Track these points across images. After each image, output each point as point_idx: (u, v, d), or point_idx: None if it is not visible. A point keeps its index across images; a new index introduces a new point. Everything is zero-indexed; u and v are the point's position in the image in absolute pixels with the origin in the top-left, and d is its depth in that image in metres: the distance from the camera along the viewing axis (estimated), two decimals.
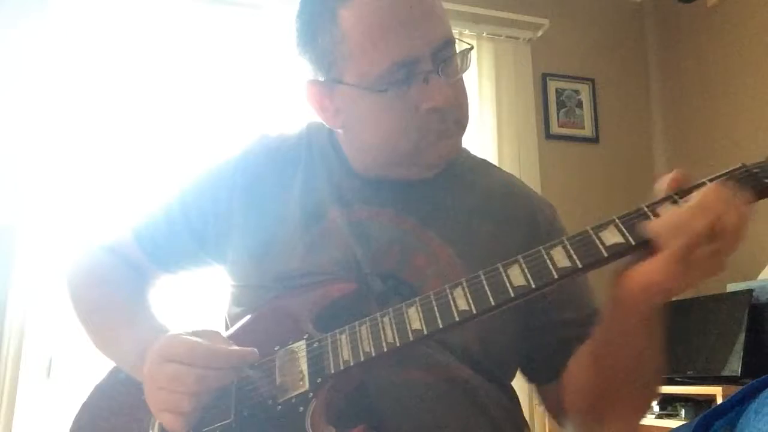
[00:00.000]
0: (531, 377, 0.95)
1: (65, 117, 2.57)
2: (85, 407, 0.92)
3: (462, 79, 0.89)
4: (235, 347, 0.78)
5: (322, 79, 0.89)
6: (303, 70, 0.92)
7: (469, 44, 0.88)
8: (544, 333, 0.91)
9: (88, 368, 0.97)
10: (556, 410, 0.91)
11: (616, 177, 3.24)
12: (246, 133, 1.05)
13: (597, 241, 0.66)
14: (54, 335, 2.39)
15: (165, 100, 2.71)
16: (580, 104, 3.36)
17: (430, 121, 0.84)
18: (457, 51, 0.86)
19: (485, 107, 3.07)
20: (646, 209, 0.66)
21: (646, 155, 3.41)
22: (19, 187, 2.46)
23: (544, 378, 0.92)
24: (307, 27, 0.89)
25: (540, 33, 3.24)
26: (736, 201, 0.63)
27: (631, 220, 0.66)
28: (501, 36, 3.19)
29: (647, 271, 0.65)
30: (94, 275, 1.00)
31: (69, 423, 0.92)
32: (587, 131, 3.35)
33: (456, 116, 0.87)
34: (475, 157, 1.04)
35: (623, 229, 0.66)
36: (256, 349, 0.79)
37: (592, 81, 3.39)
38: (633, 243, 0.65)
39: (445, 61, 0.84)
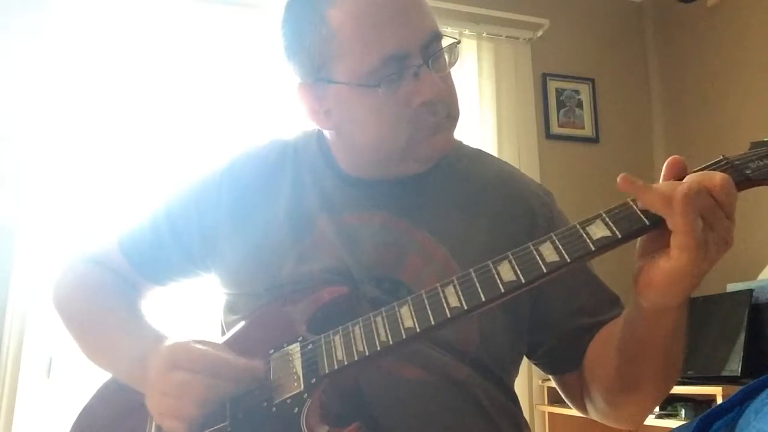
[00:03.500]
0: (552, 369, 0.95)
1: (65, 117, 2.57)
2: (85, 412, 0.92)
3: (450, 74, 0.90)
4: (244, 360, 0.79)
5: (312, 82, 0.89)
6: (291, 76, 0.92)
7: (454, 38, 0.90)
8: (561, 323, 0.91)
9: (88, 368, 0.97)
10: (577, 398, 0.92)
11: (616, 177, 3.21)
12: (242, 134, 1.05)
13: (584, 236, 0.67)
14: (54, 335, 2.39)
15: (165, 100, 2.71)
16: (580, 104, 3.36)
17: (423, 115, 0.85)
18: (444, 45, 0.87)
19: (485, 107, 3.07)
20: (631, 203, 0.67)
21: (646, 155, 3.41)
22: (19, 187, 2.46)
23: (566, 368, 0.92)
24: (295, 31, 0.89)
25: (540, 33, 3.24)
26: (717, 175, 0.63)
27: (617, 214, 0.67)
28: (501, 36, 3.19)
29: (669, 265, 0.64)
30: (83, 287, 0.99)
31: (69, 427, 0.92)
32: (587, 131, 3.35)
33: (448, 110, 0.87)
34: (468, 148, 1.04)
35: (610, 223, 0.67)
36: (262, 363, 0.79)
37: (592, 81, 3.39)
38: (619, 236, 0.66)
39: (434, 55, 0.85)
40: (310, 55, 0.87)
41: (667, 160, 0.68)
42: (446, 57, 0.88)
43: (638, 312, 0.73)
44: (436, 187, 0.94)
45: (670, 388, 0.83)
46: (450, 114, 0.88)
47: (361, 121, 0.88)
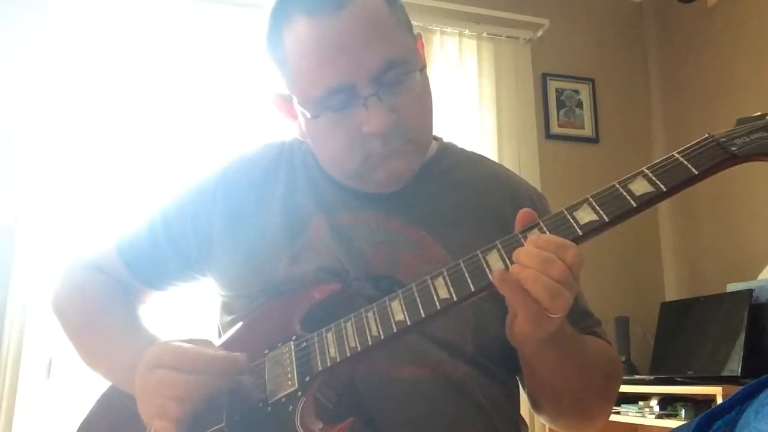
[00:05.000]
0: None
1: (65, 117, 2.57)
2: (85, 423, 0.92)
3: (419, 95, 0.87)
4: (226, 353, 0.78)
5: (287, 93, 0.90)
6: (276, 80, 0.92)
7: (421, 64, 0.86)
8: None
9: (88, 369, 0.97)
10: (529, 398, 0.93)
11: (616, 177, 3.17)
12: (242, 135, 1.05)
13: (572, 221, 0.67)
14: (54, 335, 2.39)
15: (164, 100, 2.71)
16: (580, 104, 3.36)
17: (372, 144, 0.84)
18: (411, 69, 0.84)
19: (485, 107, 3.07)
20: (618, 186, 0.68)
21: (646, 155, 3.40)
22: (19, 186, 2.46)
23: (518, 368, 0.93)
24: (268, 41, 0.89)
25: (540, 33, 3.24)
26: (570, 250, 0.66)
27: (605, 198, 0.68)
28: (501, 36, 3.19)
29: (518, 326, 0.70)
30: (82, 293, 0.99)
31: None
32: (587, 131, 3.35)
33: (406, 136, 0.85)
34: (463, 151, 1.04)
35: (597, 207, 0.67)
36: (245, 354, 0.79)
37: (592, 81, 3.39)
38: (606, 220, 0.66)
39: (389, 83, 0.82)
40: (278, 70, 0.89)
41: (519, 213, 0.72)
42: (416, 80, 0.85)
43: (518, 349, 0.79)
44: (431, 191, 0.94)
45: (590, 413, 0.89)
46: (409, 139, 0.86)
47: (318, 138, 0.88)
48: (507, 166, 1.14)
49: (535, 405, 0.90)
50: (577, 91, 3.36)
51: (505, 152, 3.02)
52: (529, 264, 0.65)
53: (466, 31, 3.13)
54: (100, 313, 0.96)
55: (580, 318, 0.91)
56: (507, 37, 3.20)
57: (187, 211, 0.97)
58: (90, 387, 0.95)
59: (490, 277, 0.68)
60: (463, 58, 3.11)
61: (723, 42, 3.08)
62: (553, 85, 3.33)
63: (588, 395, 0.86)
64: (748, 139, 0.65)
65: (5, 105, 2.51)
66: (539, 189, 1.06)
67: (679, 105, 3.33)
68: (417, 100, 0.86)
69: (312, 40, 0.82)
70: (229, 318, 0.94)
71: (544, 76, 3.31)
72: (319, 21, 0.81)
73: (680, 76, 3.34)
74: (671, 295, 3.21)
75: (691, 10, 3.21)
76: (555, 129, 3.29)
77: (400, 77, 0.83)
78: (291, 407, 0.75)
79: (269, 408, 0.77)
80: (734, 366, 2.37)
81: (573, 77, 3.37)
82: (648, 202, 0.66)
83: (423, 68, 0.86)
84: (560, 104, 3.33)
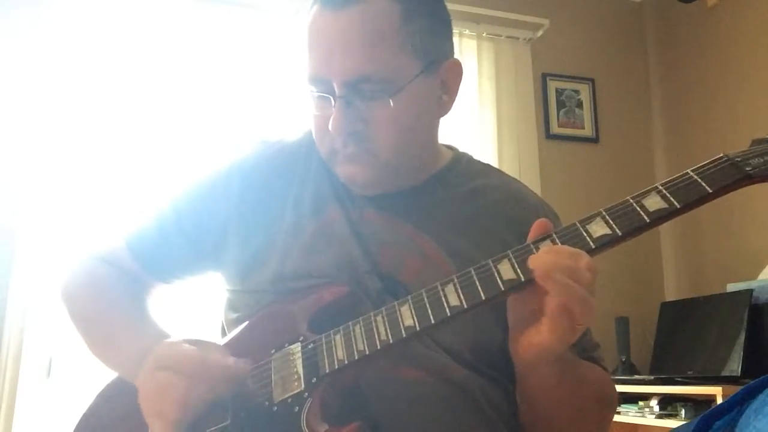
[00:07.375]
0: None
1: (65, 118, 2.57)
2: (88, 414, 0.93)
3: (396, 116, 0.87)
4: (229, 360, 0.78)
5: None
6: None
7: (387, 91, 0.85)
8: None
9: (88, 368, 0.97)
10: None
11: (616, 177, 3.24)
12: (244, 137, 1.06)
13: (584, 234, 0.68)
14: (54, 335, 2.39)
15: (164, 100, 2.71)
16: (580, 104, 3.36)
17: (334, 140, 0.88)
18: (384, 92, 0.85)
19: (485, 107, 3.08)
20: (632, 201, 0.68)
21: (646, 155, 3.41)
22: (19, 188, 2.46)
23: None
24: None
25: (540, 33, 3.24)
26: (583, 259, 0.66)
27: (618, 212, 0.68)
28: (501, 36, 3.19)
29: (539, 337, 0.69)
30: (91, 286, 1.00)
31: (72, 429, 0.92)
32: (587, 131, 3.35)
33: (366, 147, 0.88)
34: (477, 163, 1.04)
35: (610, 221, 0.67)
36: (248, 362, 0.79)
37: (592, 81, 3.39)
38: (620, 234, 0.67)
39: (363, 94, 0.85)
40: None
41: (534, 223, 0.71)
42: (384, 102, 0.86)
43: (519, 368, 0.79)
44: (441, 199, 0.95)
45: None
46: (369, 151, 0.88)
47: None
48: (507, 166, 1.14)
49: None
50: (577, 91, 3.36)
51: (505, 152, 3.02)
52: (552, 259, 0.65)
53: (466, 31, 3.13)
54: (109, 304, 0.97)
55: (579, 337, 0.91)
56: (507, 37, 3.20)
57: (201, 201, 0.98)
58: (90, 387, 0.95)
59: (500, 286, 0.68)
60: (463, 58, 3.10)
61: (723, 42, 3.09)
62: (553, 85, 3.33)
63: (579, 424, 0.86)
64: (762, 160, 0.66)
65: (6, 105, 2.51)
66: (539, 189, 1.07)
67: (679, 105, 3.34)
68: (389, 119, 0.87)
69: (311, 28, 0.88)
70: (234, 315, 0.94)
71: (544, 76, 3.31)
72: (322, 13, 0.87)
73: (680, 75, 3.34)
74: (671, 295, 3.21)
75: (691, 10, 3.21)
76: (555, 129, 3.29)
77: (374, 93, 0.86)
78: (297, 408, 0.76)
79: (275, 408, 0.77)
80: (734, 366, 2.38)
81: (573, 77, 3.37)
82: (661, 218, 0.67)
83: (397, 93, 0.86)
84: (560, 104, 3.33)
